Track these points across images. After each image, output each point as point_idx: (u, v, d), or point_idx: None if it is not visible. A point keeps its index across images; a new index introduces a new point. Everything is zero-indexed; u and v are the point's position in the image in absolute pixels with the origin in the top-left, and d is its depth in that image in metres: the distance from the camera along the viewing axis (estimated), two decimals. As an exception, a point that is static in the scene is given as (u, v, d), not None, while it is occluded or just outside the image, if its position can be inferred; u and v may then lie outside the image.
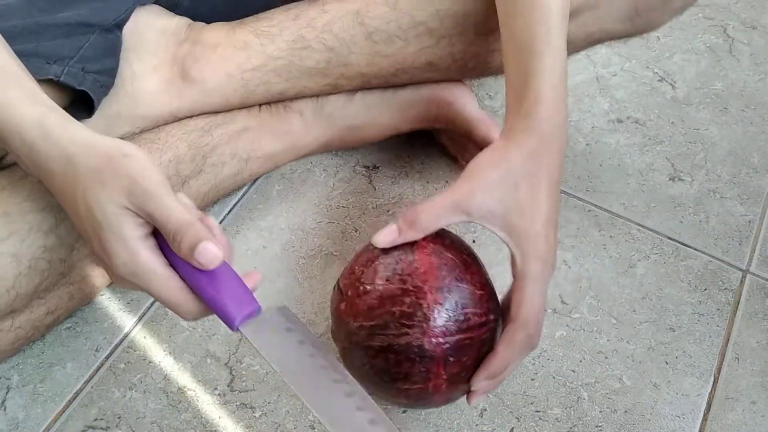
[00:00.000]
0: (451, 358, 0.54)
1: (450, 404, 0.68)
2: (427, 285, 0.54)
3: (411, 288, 0.54)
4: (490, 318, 0.56)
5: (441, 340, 0.53)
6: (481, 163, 0.56)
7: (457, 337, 0.54)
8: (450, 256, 0.56)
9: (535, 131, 0.55)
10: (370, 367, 0.56)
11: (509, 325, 0.56)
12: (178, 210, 0.48)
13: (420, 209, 0.55)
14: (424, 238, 0.57)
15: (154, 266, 0.48)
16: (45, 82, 0.61)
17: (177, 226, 0.47)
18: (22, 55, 0.56)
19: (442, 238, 0.58)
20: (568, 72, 0.94)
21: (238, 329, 0.48)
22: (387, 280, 0.54)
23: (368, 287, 0.55)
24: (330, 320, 0.60)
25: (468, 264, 0.57)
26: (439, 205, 0.55)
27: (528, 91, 0.56)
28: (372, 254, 0.57)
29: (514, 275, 0.57)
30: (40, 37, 0.63)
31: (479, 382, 0.56)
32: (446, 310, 0.53)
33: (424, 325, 0.53)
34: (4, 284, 0.60)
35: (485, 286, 0.57)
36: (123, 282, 0.50)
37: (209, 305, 0.49)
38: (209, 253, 0.47)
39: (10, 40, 0.57)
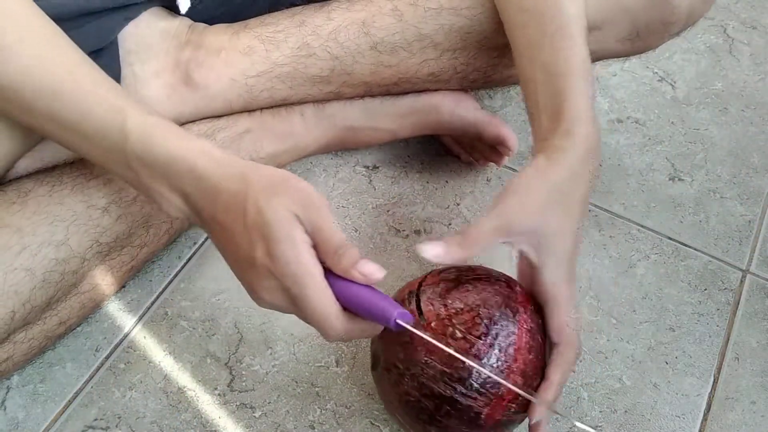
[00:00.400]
0: (493, 430, 0.55)
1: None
2: (515, 365, 0.53)
3: (501, 360, 0.53)
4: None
5: (498, 417, 0.53)
6: (526, 182, 0.55)
7: (511, 418, 0.55)
8: (540, 339, 0.55)
9: (575, 149, 0.56)
10: (415, 402, 0.54)
11: (556, 350, 0.56)
12: (338, 229, 0.50)
13: (468, 229, 0.55)
14: (525, 304, 0.55)
15: (314, 270, 0.49)
16: None
17: (340, 242, 0.49)
18: None
19: (538, 311, 0.57)
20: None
21: (396, 322, 0.48)
22: (480, 338, 0.53)
23: (458, 333, 0.53)
24: None
25: (544, 349, 0.56)
26: (487, 226, 0.54)
27: (565, 111, 0.56)
28: (474, 293, 0.55)
29: (546, 298, 0.56)
30: None
31: (541, 415, 0.55)
32: (517, 395, 0.53)
33: (494, 400, 0.53)
34: (20, 298, 0.61)
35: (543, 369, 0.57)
36: (273, 290, 0.50)
37: (362, 309, 0.50)
38: (372, 266, 0.49)
39: None
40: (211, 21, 0.74)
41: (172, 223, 0.74)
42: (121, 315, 0.73)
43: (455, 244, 0.54)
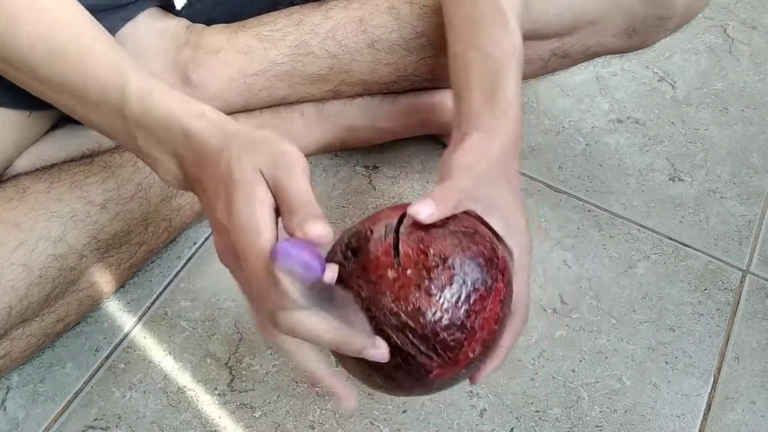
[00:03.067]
0: (438, 388, 0.53)
1: (450, 404, 0.68)
2: (479, 334, 0.51)
3: (468, 327, 0.50)
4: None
5: (445, 378, 0.52)
6: (465, 159, 0.55)
7: (454, 380, 0.53)
8: (506, 311, 0.54)
9: (508, 131, 0.56)
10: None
11: (510, 319, 0.55)
12: (307, 190, 0.46)
13: (444, 190, 0.54)
14: (503, 272, 0.53)
15: (263, 228, 0.44)
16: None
17: (297, 202, 0.45)
18: (13, 84, 0.57)
19: (510, 278, 0.55)
20: (569, 72, 0.95)
21: (275, 252, 0.42)
22: (456, 303, 0.50)
23: (433, 289, 0.49)
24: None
25: (506, 322, 0.55)
26: (456, 189, 0.54)
27: (500, 92, 0.56)
28: (458, 249, 0.51)
29: None
30: None
31: (484, 376, 0.55)
32: (475, 362, 0.52)
33: (450, 365, 0.51)
34: (16, 294, 0.61)
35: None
36: (225, 249, 0.47)
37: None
38: (319, 226, 0.44)
39: None
40: (209, 21, 0.74)
41: (171, 222, 0.74)
42: (120, 315, 0.73)
43: (442, 203, 0.52)
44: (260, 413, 0.67)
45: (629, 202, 0.83)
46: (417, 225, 0.52)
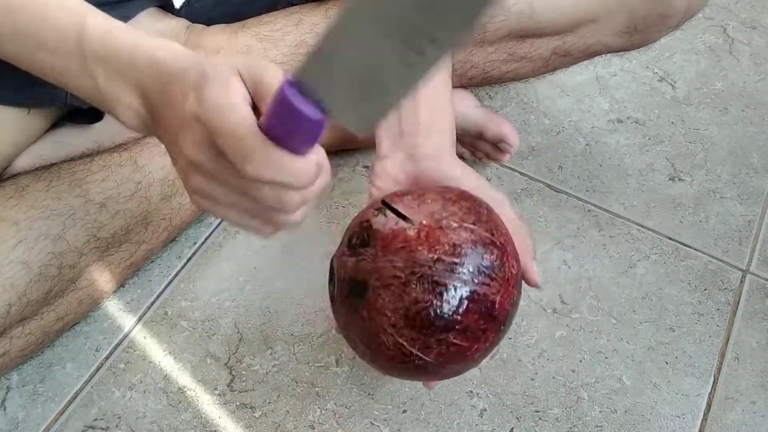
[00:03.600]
0: (503, 327, 0.52)
1: (451, 404, 0.68)
2: (509, 247, 0.52)
3: (498, 243, 0.51)
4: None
5: (507, 306, 0.51)
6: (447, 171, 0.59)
7: (513, 309, 0.53)
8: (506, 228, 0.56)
9: (453, 143, 0.61)
10: (430, 307, 0.49)
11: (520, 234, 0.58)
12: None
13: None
14: (480, 199, 0.56)
15: (240, 101, 0.42)
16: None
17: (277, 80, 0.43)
18: (25, 84, 0.56)
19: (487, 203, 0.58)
20: (569, 72, 0.95)
21: (284, 84, 0.39)
22: (474, 224, 0.51)
23: (453, 223, 0.50)
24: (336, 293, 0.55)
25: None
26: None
27: (446, 107, 0.60)
28: (440, 190, 0.53)
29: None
30: None
31: (537, 274, 0.58)
32: (518, 279, 0.53)
33: (503, 285, 0.50)
34: (16, 292, 0.61)
35: None
36: (197, 141, 0.44)
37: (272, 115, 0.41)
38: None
39: (12, 68, 0.57)
40: (208, 22, 0.74)
41: (171, 221, 0.74)
42: (120, 315, 0.73)
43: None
44: (260, 413, 0.67)
45: (629, 202, 0.83)
46: (402, 195, 0.54)
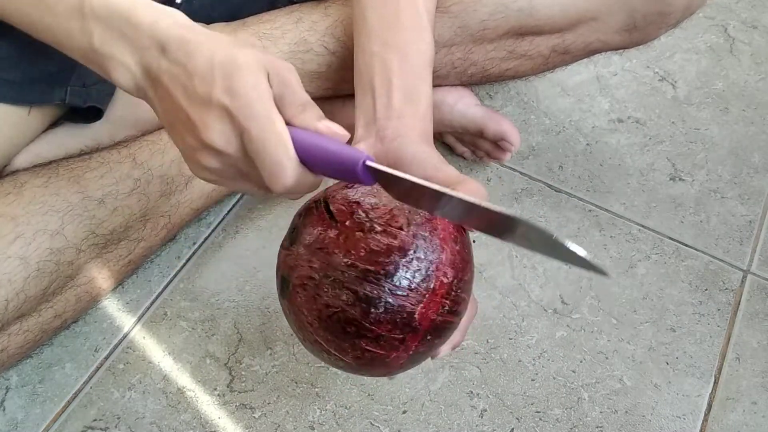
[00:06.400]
0: (429, 337, 0.50)
1: (451, 405, 0.68)
2: (443, 255, 0.49)
3: (425, 250, 0.48)
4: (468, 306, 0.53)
5: (433, 316, 0.49)
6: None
7: (446, 318, 0.50)
8: (462, 231, 0.52)
9: (428, 132, 0.59)
10: (339, 313, 0.48)
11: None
12: (305, 93, 0.48)
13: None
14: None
15: (275, 114, 0.45)
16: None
17: (307, 99, 0.47)
18: (25, 82, 0.56)
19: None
20: (569, 71, 0.94)
21: (365, 164, 0.45)
22: (401, 229, 0.48)
23: (377, 227, 0.48)
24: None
25: (468, 242, 0.53)
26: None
27: (422, 97, 0.58)
28: (387, 195, 0.51)
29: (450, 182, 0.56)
30: (38, 60, 0.63)
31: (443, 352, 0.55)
32: (452, 289, 0.49)
33: (428, 295, 0.48)
34: (13, 287, 0.61)
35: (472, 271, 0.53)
36: (224, 133, 0.46)
37: (324, 157, 0.46)
38: (336, 126, 0.47)
39: (13, 66, 0.56)
40: (208, 20, 0.74)
41: (170, 218, 0.73)
42: (120, 315, 0.73)
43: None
44: (260, 414, 0.67)
45: (630, 202, 0.83)
46: (341, 188, 0.52)
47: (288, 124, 0.46)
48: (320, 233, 0.50)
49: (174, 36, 0.47)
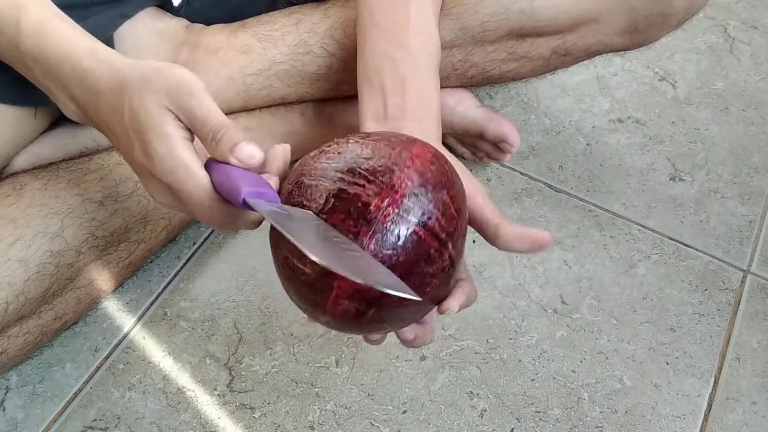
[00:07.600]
0: (385, 236, 0.46)
1: (451, 405, 0.68)
2: (412, 162, 0.48)
3: (394, 153, 0.48)
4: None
5: (390, 212, 0.46)
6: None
7: (405, 211, 0.47)
8: (440, 161, 0.50)
9: (437, 133, 0.60)
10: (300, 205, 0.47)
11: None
12: (217, 111, 0.48)
13: None
14: (414, 143, 0.51)
15: (190, 163, 0.47)
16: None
17: (217, 124, 0.47)
18: (29, 83, 0.56)
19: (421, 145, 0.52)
20: (569, 71, 0.94)
21: (244, 201, 0.45)
22: (366, 138, 0.49)
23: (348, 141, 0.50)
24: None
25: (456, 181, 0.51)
26: None
27: (433, 97, 0.60)
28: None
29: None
30: None
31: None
32: (419, 194, 0.47)
33: (387, 191, 0.46)
34: (13, 290, 0.61)
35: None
36: (158, 190, 0.49)
37: (227, 192, 0.47)
38: (249, 149, 0.47)
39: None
40: (208, 21, 0.74)
41: (170, 220, 0.73)
42: (120, 315, 0.73)
43: None
44: (260, 414, 0.67)
45: (630, 202, 0.83)
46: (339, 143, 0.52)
47: (210, 159, 0.48)
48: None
49: (95, 88, 0.50)
